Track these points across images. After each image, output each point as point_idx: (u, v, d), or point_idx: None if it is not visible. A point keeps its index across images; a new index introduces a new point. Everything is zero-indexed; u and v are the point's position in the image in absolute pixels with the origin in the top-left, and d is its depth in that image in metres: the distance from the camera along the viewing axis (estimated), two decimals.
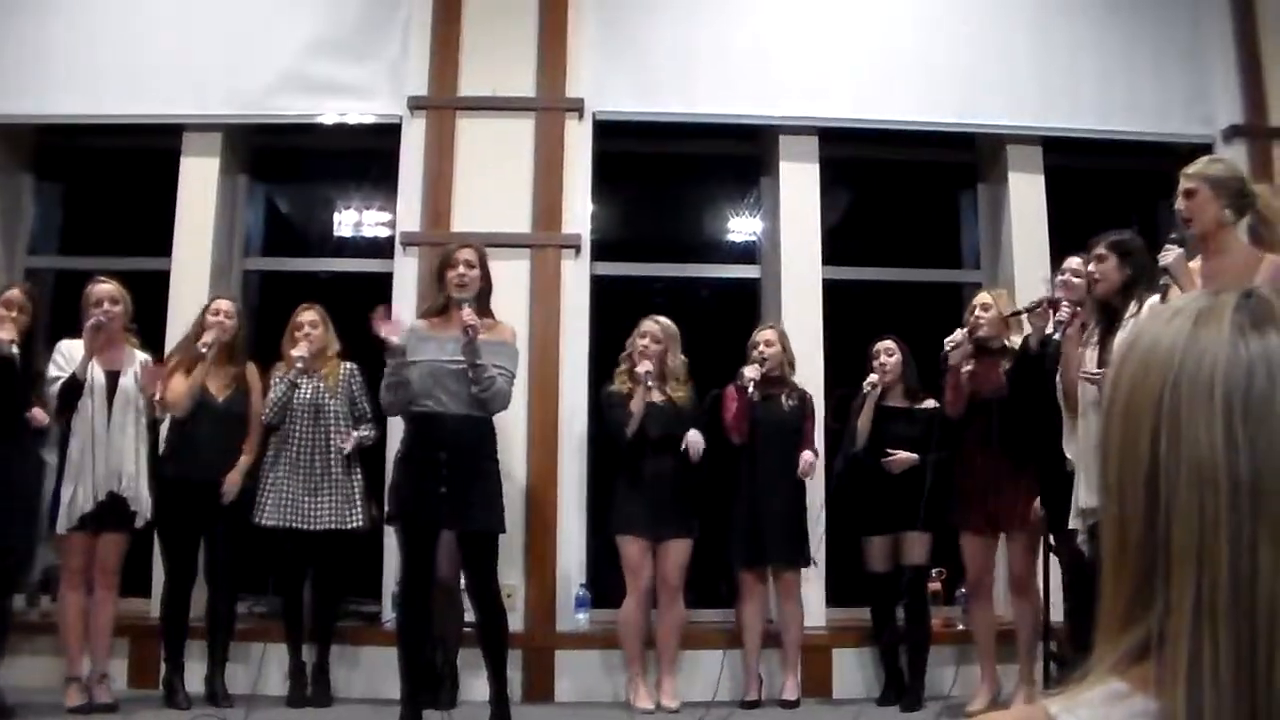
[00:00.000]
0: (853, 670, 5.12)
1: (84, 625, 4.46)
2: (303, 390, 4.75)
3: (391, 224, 5.65)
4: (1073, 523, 3.73)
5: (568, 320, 5.36)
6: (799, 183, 5.62)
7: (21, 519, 4.33)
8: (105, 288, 4.55)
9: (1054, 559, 4.43)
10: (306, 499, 4.68)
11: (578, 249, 5.44)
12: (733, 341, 5.19)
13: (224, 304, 4.84)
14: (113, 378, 4.52)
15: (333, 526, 4.69)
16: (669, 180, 6.42)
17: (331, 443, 4.74)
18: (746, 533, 4.81)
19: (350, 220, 6.23)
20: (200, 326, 4.74)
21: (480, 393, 4.07)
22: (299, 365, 4.71)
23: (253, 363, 4.90)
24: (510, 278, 4.97)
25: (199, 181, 5.46)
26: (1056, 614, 4.47)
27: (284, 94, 5.46)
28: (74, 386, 4.40)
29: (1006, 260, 5.64)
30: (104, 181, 6.09)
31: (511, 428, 4.96)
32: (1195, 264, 3.42)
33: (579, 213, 5.48)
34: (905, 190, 6.43)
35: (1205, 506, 0.67)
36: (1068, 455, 3.87)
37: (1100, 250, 3.82)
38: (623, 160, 5.96)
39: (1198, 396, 0.69)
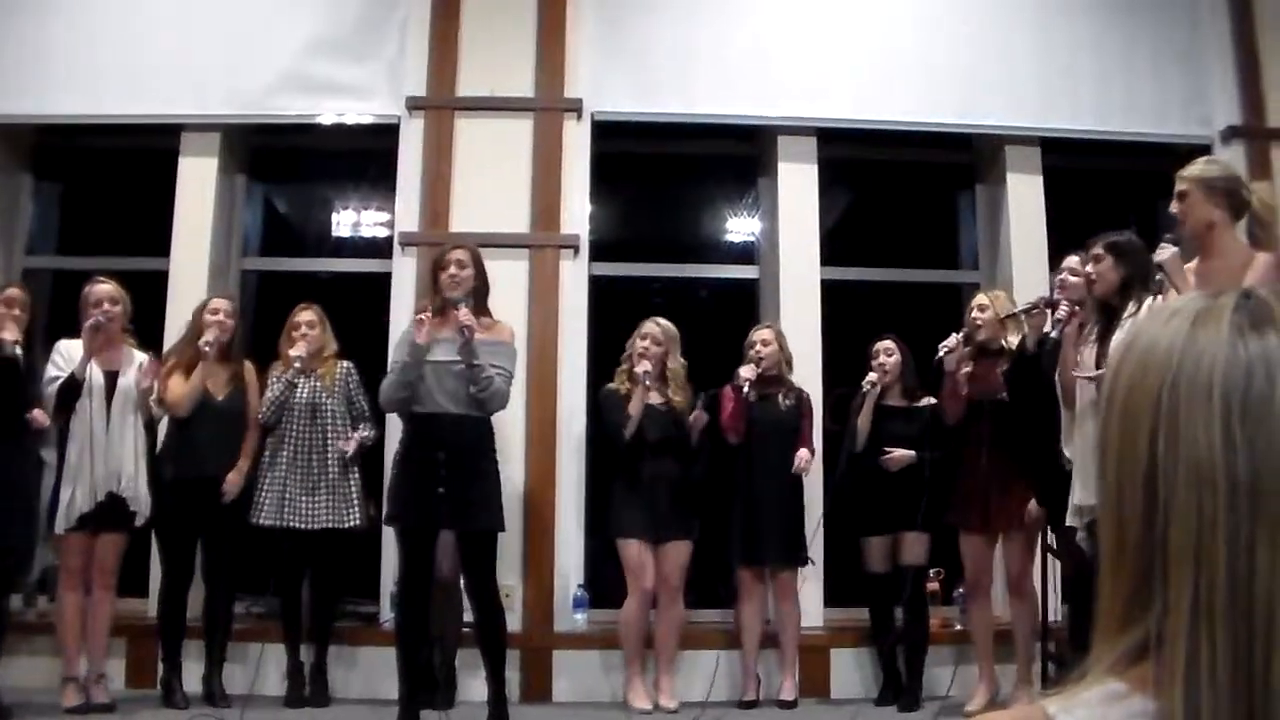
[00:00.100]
0: (850, 670, 5.12)
1: (82, 625, 4.45)
2: (300, 390, 4.75)
3: (390, 224, 5.64)
4: (1070, 520, 3.73)
5: (566, 321, 5.36)
6: (797, 183, 5.62)
7: (21, 519, 4.32)
8: (104, 288, 4.55)
9: (1052, 559, 4.44)
10: (304, 498, 4.68)
11: (576, 249, 5.43)
12: (731, 342, 5.19)
13: (221, 303, 4.84)
14: (111, 378, 4.51)
15: (330, 526, 4.68)
16: (667, 180, 6.42)
17: (329, 442, 4.74)
18: (744, 532, 4.81)
19: (348, 220, 6.23)
20: (197, 326, 4.74)
21: (478, 393, 4.07)
22: (297, 365, 4.72)
23: (248, 361, 4.90)
24: (508, 278, 4.97)
25: (197, 181, 5.46)
26: (1055, 614, 4.48)
27: (282, 94, 5.46)
28: (73, 386, 4.39)
29: (1005, 261, 5.65)
30: (102, 181, 6.08)
31: (510, 428, 4.96)
32: (1192, 265, 3.45)
33: (577, 213, 5.48)
34: (904, 191, 6.43)
35: (1203, 507, 0.67)
36: (1066, 454, 3.87)
37: (1096, 251, 3.83)
38: (621, 160, 5.96)
39: (1196, 397, 0.69)
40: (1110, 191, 6.16)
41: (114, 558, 4.51)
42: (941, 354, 4.66)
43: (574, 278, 5.43)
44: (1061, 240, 5.06)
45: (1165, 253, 3.40)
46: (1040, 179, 5.66)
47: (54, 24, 5.43)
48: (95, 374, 4.46)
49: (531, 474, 5.21)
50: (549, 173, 5.47)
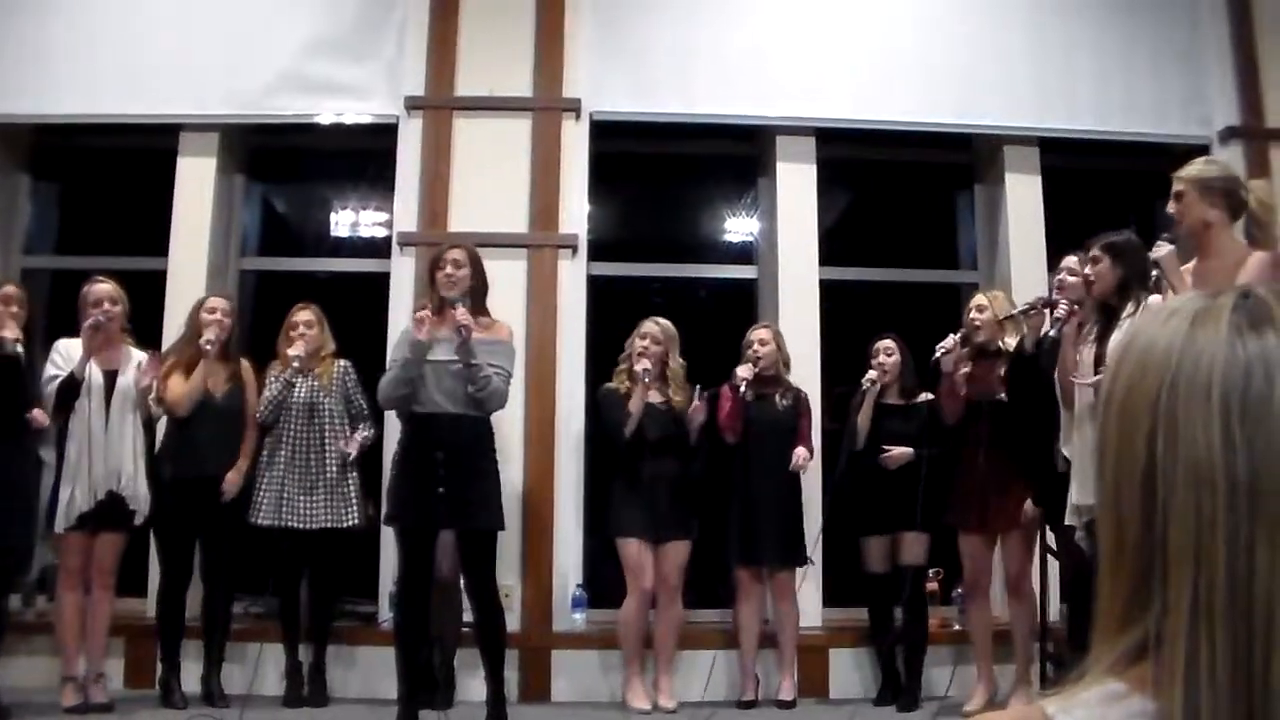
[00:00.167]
0: (849, 670, 5.12)
1: (80, 625, 4.45)
2: (298, 390, 4.75)
3: (388, 224, 5.64)
4: (1069, 520, 3.73)
5: (564, 320, 5.36)
6: (796, 183, 5.62)
7: (20, 518, 4.32)
8: (104, 288, 4.55)
9: (1051, 560, 4.44)
10: (302, 498, 4.68)
11: (574, 249, 5.43)
12: (730, 342, 5.18)
13: (218, 302, 4.83)
14: (110, 377, 4.51)
15: (328, 525, 4.68)
16: (666, 180, 6.42)
17: (327, 442, 4.74)
18: (741, 532, 4.81)
19: (347, 220, 6.22)
20: (195, 326, 4.73)
21: (476, 392, 4.07)
22: (295, 365, 4.71)
23: (246, 360, 4.90)
24: (507, 278, 4.97)
25: (196, 181, 5.46)
26: (1054, 614, 4.48)
27: (281, 94, 5.45)
28: (72, 386, 4.39)
29: (1003, 261, 5.65)
30: (101, 181, 6.08)
31: (508, 427, 4.96)
32: (1190, 265, 3.46)
33: (576, 213, 5.48)
34: (902, 191, 6.43)
35: (1202, 507, 0.67)
36: (1064, 453, 3.88)
37: (1094, 252, 3.83)
38: (620, 160, 5.95)
39: (1195, 397, 0.68)
40: (1109, 192, 6.16)
41: (113, 557, 4.51)
42: (939, 354, 4.66)
43: (572, 277, 5.42)
44: (1060, 240, 5.07)
45: (1161, 250, 3.43)
46: (1039, 179, 5.66)
47: (53, 24, 5.42)
48: (94, 373, 4.45)
49: (530, 473, 5.21)
50: (548, 172, 5.46)
